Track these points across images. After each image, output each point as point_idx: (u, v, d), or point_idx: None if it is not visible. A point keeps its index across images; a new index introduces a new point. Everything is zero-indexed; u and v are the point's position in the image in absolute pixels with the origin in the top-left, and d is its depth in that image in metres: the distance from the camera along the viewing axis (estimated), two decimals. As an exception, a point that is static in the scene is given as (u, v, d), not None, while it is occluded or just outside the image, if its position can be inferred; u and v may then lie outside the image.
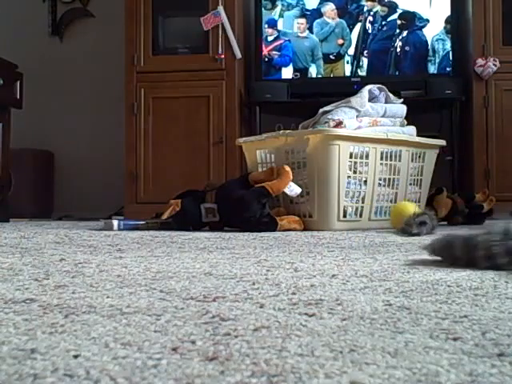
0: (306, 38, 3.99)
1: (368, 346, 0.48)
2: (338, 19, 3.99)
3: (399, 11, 3.91)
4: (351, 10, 4.03)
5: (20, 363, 0.43)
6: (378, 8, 3.95)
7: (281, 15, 3.97)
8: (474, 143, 3.56)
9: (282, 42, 3.96)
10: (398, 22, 3.92)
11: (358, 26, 3.98)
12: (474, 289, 0.77)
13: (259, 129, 3.67)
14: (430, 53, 3.76)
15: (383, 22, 3.96)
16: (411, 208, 2.22)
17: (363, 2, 3.97)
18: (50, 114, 4.50)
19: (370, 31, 3.98)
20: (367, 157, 2.43)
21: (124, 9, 3.82)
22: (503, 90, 3.55)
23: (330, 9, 4.02)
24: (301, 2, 4.02)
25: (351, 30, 3.97)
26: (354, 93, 2.61)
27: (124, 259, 1.16)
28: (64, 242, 1.63)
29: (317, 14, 4.03)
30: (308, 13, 4.01)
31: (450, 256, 1.03)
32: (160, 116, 3.75)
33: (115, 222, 2.33)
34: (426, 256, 1.20)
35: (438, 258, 1.09)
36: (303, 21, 4.00)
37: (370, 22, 4.00)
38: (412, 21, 3.88)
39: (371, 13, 3.97)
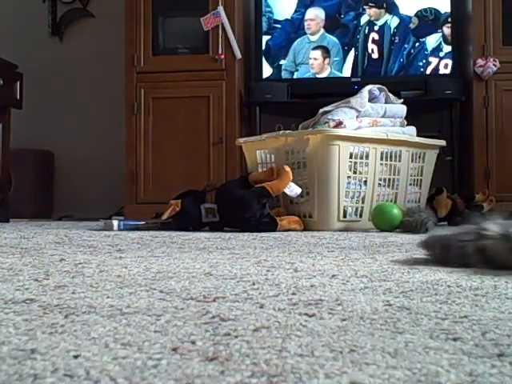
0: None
1: (368, 346, 0.48)
2: (322, 32, 3.55)
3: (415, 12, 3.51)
4: (346, 21, 3.45)
5: (20, 363, 0.43)
6: (386, 18, 3.47)
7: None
8: (474, 143, 3.56)
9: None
10: (412, 24, 3.51)
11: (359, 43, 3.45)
12: (474, 289, 0.77)
13: (259, 129, 3.66)
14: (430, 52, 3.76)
15: (395, 39, 3.42)
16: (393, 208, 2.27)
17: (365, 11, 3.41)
18: (49, 114, 4.50)
19: (375, 56, 3.46)
20: (367, 157, 2.43)
21: (124, 9, 3.82)
22: (503, 90, 3.55)
23: (312, 16, 3.43)
24: (267, 10, 3.54)
25: (346, 53, 3.46)
26: (354, 93, 2.61)
27: (124, 259, 1.16)
28: (64, 243, 1.63)
29: (291, 26, 3.59)
30: (278, 26, 3.54)
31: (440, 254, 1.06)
32: (160, 116, 3.75)
33: (115, 222, 2.33)
34: (426, 256, 1.20)
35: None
36: (318, 54, 3.45)
37: (374, 41, 3.48)
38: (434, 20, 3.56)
39: (375, 27, 3.48)
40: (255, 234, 2.04)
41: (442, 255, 1.04)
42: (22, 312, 0.62)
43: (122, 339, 0.50)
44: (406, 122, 2.70)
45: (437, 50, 3.65)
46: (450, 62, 3.66)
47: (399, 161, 2.53)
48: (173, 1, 3.90)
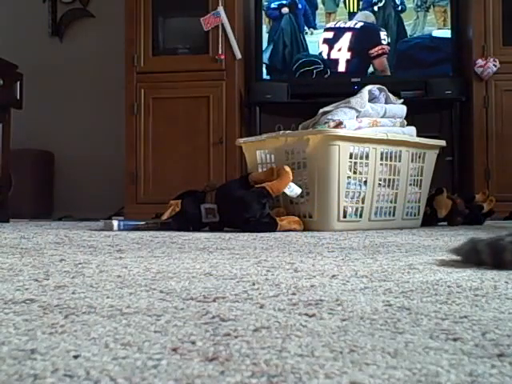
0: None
1: (368, 346, 0.48)
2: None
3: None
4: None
5: (20, 363, 0.43)
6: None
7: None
8: (474, 143, 3.56)
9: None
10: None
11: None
12: (474, 289, 0.77)
13: (259, 129, 3.67)
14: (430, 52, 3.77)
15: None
16: None
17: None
18: (49, 114, 4.50)
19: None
20: (367, 157, 2.43)
21: (124, 9, 3.82)
22: (503, 91, 3.55)
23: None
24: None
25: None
26: (354, 93, 2.61)
27: (124, 260, 1.16)
28: (64, 243, 1.63)
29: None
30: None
31: (476, 259, 1.01)
32: (160, 116, 3.76)
33: (115, 223, 2.33)
34: (426, 256, 1.20)
35: (444, 258, 1.09)
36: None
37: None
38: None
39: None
40: (255, 234, 2.04)
41: (494, 260, 0.98)
42: (22, 312, 0.62)
43: (122, 339, 0.50)
44: (406, 122, 2.70)
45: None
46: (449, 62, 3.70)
47: (399, 161, 2.53)
48: (173, 1, 3.90)
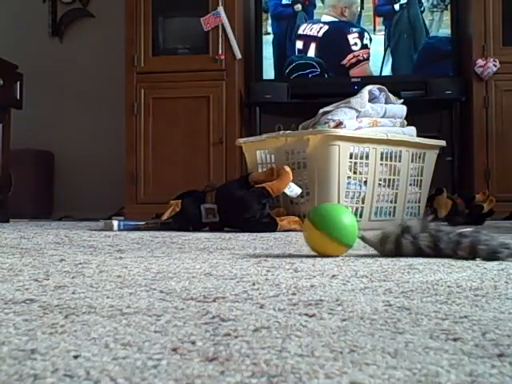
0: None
1: (368, 346, 0.48)
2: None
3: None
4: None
5: (20, 364, 0.43)
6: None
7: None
8: (474, 143, 3.56)
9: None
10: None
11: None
12: (474, 289, 0.77)
13: (259, 129, 3.67)
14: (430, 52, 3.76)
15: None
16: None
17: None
18: (49, 114, 4.50)
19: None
20: (367, 157, 2.43)
21: (124, 9, 3.82)
22: (503, 91, 3.55)
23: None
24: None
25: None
26: (354, 93, 2.61)
27: (124, 260, 1.16)
28: (64, 243, 1.63)
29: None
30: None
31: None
32: (160, 116, 3.76)
33: (115, 223, 2.33)
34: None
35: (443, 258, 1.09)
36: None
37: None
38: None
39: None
40: (255, 234, 2.04)
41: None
42: (22, 312, 0.62)
43: (122, 339, 0.50)
44: (406, 123, 2.70)
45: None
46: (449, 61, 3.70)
47: (399, 161, 2.53)
48: (173, 1, 3.90)
